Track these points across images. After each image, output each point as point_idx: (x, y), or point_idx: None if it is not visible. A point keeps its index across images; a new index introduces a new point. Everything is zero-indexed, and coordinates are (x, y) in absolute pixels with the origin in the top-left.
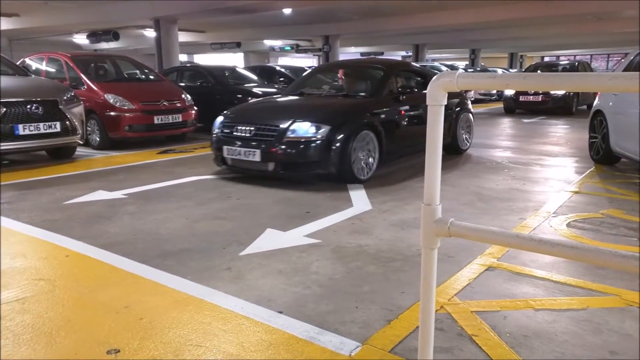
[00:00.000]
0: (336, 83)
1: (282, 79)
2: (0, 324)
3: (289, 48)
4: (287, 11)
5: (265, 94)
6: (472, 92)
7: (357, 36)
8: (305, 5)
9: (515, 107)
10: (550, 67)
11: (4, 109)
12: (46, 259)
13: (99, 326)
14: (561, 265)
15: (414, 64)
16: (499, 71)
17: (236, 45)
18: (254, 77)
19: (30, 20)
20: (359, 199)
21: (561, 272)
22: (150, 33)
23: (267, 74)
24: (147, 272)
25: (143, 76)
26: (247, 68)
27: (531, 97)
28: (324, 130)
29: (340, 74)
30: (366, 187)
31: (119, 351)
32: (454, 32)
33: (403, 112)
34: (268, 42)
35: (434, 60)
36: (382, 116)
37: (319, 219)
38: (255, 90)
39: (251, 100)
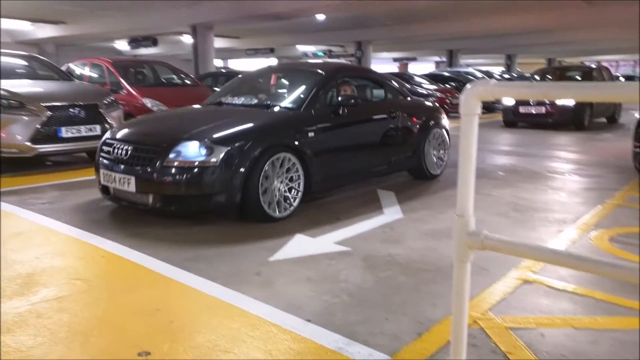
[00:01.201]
0: (266, 91)
1: None
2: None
3: (321, 54)
4: (321, 17)
5: None
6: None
7: (389, 42)
8: (339, 12)
9: (516, 120)
10: (562, 72)
11: (49, 113)
12: (83, 259)
13: (131, 328)
14: (603, 282)
15: (371, 69)
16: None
17: (270, 51)
18: None
19: (76, 27)
20: (391, 207)
21: (603, 289)
22: (187, 39)
23: None
24: (178, 274)
25: (179, 81)
26: None
27: (533, 108)
28: (219, 152)
29: (272, 80)
30: (398, 195)
31: (149, 354)
32: (489, 38)
33: (347, 128)
34: (301, 48)
35: (468, 65)
36: (312, 134)
37: (349, 226)
38: None
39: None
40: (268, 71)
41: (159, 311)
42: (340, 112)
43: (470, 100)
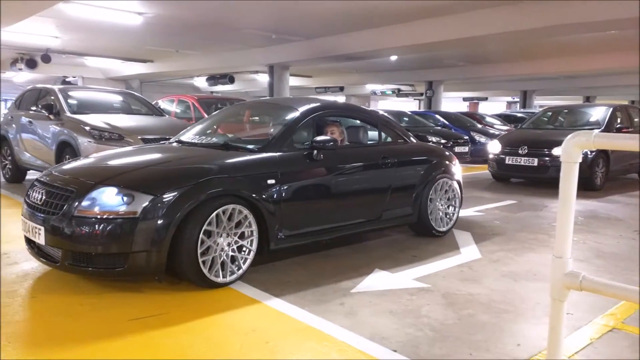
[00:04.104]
0: (233, 130)
1: None
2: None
3: (390, 92)
4: (393, 58)
5: None
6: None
7: (461, 82)
8: (412, 53)
9: (505, 174)
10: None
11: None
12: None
13: (231, 345)
14: None
15: (359, 106)
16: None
17: (339, 89)
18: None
19: (161, 65)
20: (467, 247)
21: None
22: (262, 77)
23: None
24: (268, 299)
25: (257, 117)
26: None
27: (522, 159)
28: (141, 201)
29: (245, 117)
30: (474, 235)
31: None
32: (566, 79)
33: (322, 175)
34: (370, 87)
35: (541, 106)
36: (272, 181)
37: (426, 264)
38: None
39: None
40: (242, 108)
41: (255, 332)
42: (315, 156)
43: (571, 149)
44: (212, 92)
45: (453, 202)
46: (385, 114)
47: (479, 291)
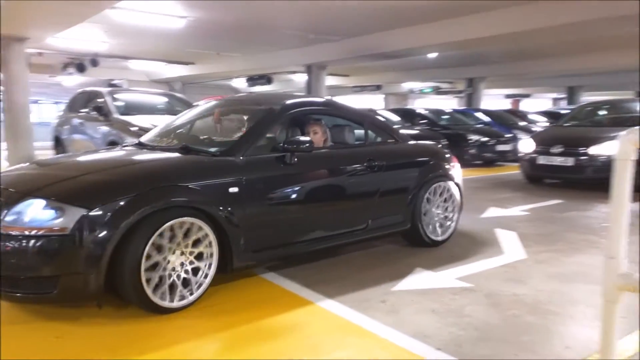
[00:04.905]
0: (200, 131)
1: (423, 121)
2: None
3: (429, 90)
4: (432, 55)
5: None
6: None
7: (503, 78)
8: (452, 50)
9: (539, 175)
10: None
11: None
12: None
13: (272, 340)
14: None
15: (342, 103)
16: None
17: (376, 88)
18: (396, 118)
19: (202, 67)
20: (511, 247)
21: None
22: (298, 77)
23: (408, 116)
24: (309, 295)
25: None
26: (389, 110)
27: (557, 159)
28: (73, 215)
29: (215, 117)
30: (519, 235)
31: None
32: (616, 73)
33: (297, 181)
34: (408, 85)
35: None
36: (235, 190)
37: (468, 263)
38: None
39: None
40: (214, 106)
41: (297, 326)
42: (288, 159)
43: (625, 146)
44: (250, 93)
45: (451, 208)
46: (374, 112)
47: (524, 292)
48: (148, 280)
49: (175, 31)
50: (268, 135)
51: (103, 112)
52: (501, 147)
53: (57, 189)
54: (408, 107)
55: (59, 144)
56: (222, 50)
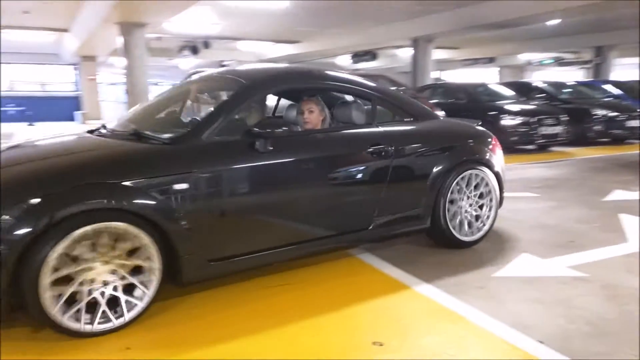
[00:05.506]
0: (170, 112)
1: (540, 94)
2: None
3: (550, 61)
4: (552, 23)
5: (520, 112)
6: None
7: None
8: (577, 16)
9: None
10: None
11: None
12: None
13: (361, 320)
14: None
15: (340, 73)
16: None
17: (489, 61)
18: (510, 93)
19: (307, 45)
20: (636, 235)
21: None
22: (403, 52)
23: (525, 90)
24: (402, 276)
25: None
26: (503, 84)
27: None
28: None
29: (192, 95)
30: None
31: (382, 344)
32: None
33: (273, 171)
34: (524, 56)
35: None
36: (185, 186)
37: (584, 251)
38: (509, 107)
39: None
40: (191, 83)
41: (388, 309)
42: (259, 147)
43: None
44: (355, 70)
45: (487, 202)
46: (383, 85)
47: None
48: (58, 297)
49: (281, 10)
50: (237, 116)
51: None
52: (632, 123)
53: None
54: (524, 80)
55: None
56: (326, 26)
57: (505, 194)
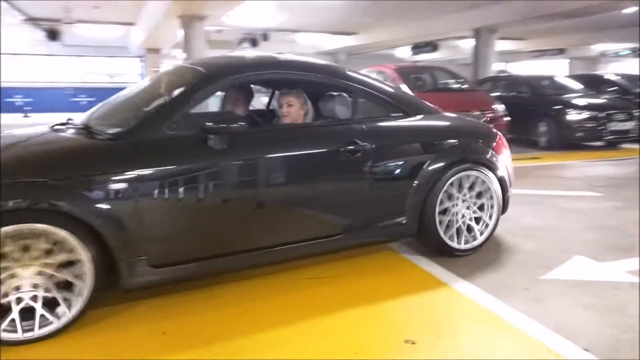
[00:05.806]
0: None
1: (612, 88)
2: None
3: (627, 52)
4: (629, 11)
5: (587, 107)
6: None
7: None
8: None
9: None
10: None
11: None
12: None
13: (394, 317)
14: None
15: (316, 62)
16: None
17: (559, 52)
18: (578, 86)
19: (365, 37)
20: None
21: None
22: (465, 44)
23: (595, 83)
24: (440, 273)
25: (456, 86)
26: (571, 77)
27: None
28: None
29: (164, 88)
30: None
31: (414, 343)
32: None
33: (228, 170)
34: (598, 47)
35: None
36: (124, 186)
37: None
38: (576, 101)
39: None
40: (163, 74)
41: (420, 307)
42: (213, 144)
43: None
44: (415, 62)
45: (487, 207)
46: (370, 78)
47: None
48: None
49: (339, 2)
50: (192, 110)
51: None
52: None
53: None
54: (595, 73)
55: None
56: (384, 18)
57: (564, 193)
